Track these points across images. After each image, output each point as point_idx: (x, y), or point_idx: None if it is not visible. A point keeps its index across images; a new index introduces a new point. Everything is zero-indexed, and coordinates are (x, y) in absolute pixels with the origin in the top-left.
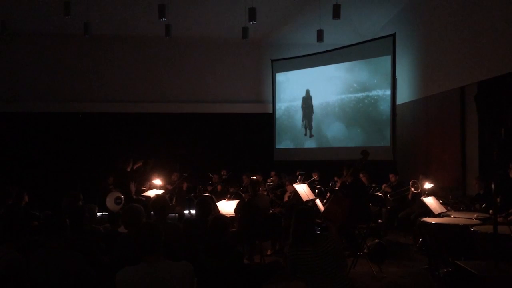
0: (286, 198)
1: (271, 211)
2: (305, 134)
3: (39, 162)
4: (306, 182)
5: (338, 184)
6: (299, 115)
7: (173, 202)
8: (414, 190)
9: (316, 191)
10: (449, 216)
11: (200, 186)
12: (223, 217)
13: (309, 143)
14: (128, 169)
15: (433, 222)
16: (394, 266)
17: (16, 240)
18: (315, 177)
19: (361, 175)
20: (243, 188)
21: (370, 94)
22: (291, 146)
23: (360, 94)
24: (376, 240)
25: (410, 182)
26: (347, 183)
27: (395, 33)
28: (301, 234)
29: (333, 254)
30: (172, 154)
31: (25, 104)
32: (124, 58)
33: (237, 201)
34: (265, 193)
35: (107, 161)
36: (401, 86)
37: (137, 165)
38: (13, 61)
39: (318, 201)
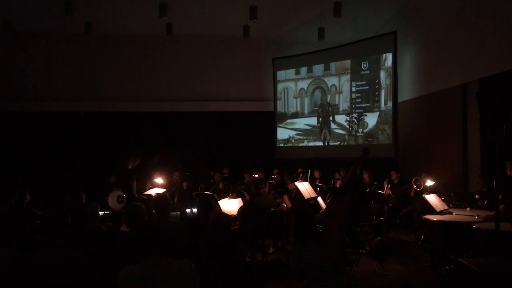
0: (287, 200)
1: (272, 209)
2: (323, 141)
3: (41, 161)
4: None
5: (338, 182)
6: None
7: (175, 201)
8: (417, 187)
9: (318, 188)
10: (451, 213)
11: (202, 185)
12: (225, 215)
13: (311, 141)
14: (129, 167)
15: (435, 220)
16: (396, 264)
17: (19, 239)
18: (316, 175)
19: (363, 173)
20: (245, 186)
21: (371, 91)
22: (293, 144)
23: (361, 92)
24: (378, 238)
25: (413, 180)
26: (347, 181)
27: (396, 30)
28: (303, 233)
29: (336, 252)
30: (173, 153)
31: (27, 103)
32: (125, 57)
33: (239, 199)
34: (267, 191)
35: (109, 160)
36: (402, 83)
37: (136, 163)
38: (14, 60)
39: (319, 199)
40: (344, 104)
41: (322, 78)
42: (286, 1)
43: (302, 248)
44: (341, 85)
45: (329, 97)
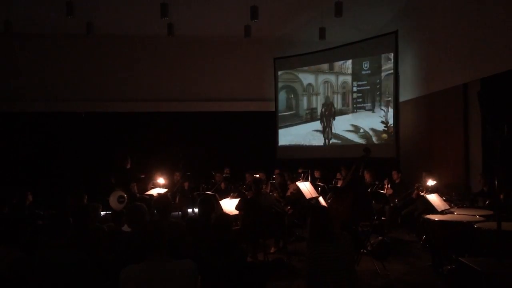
0: (289, 194)
1: (273, 210)
2: (325, 141)
3: (42, 162)
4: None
5: (340, 182)
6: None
7: (176, 201)
8: (420, 192)
9: (319, 188)
10: (452, 213)
11: (203, 185)
12: (226, 215)
13: (312, 141)
14: (128, 167)
15: (436, 219)
16: (398, 263)
17: (20, 239)
18: (317, 175)
19: (365, 172)
20: (246, 186)
21: (372, 91)
22: (294, 143)
23: (362, 92)
24: (380, 238)
25: (415, 186)
26: (348, 181)
27: (397, 30)
28: (320, 231)
29: (349, 253)
30: (174, 153)
31: (28, 104)
32: (127, 57)
33: (240, 199)
34: (268, 191)
35: (110, 160)
36: (403, 83)
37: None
38: (15, 60)
39: (321, 199)
40: (344, 104)
41: (322, 75)
42: (287, 1)
43: (316, 247)
44: (339, 84)
45: (330, 96)
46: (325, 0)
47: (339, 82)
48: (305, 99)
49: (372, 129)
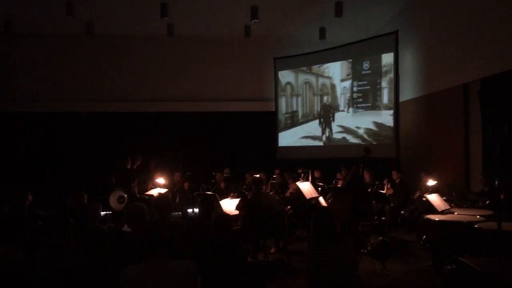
0: (288, 195)
1: (273, 210)
2: (323, 139)
3: (43, 162)
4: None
5: (340, 182)
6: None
7: (177, 201)
8: (423, 199)
9: (320, 188)
10: (452, 213)
11: (203, 185)
12: (226, 215)
13: (313, 141)
14: (128, 167)
15: (436, 219)
16: (398, 263)
17: (20, 239)
18: (317, 175)
19: (365, 172)
20: (246, 186)
21: (373, 91)
22: (294, 144)
23: (362, 92)
24: (380, 238)
25: (417, 194)
26: (348, 181)
27: (397, 30)
28: (322, 232)
29: (351, 254)
30: (174, 153)
31: (28, 104)
32: (126, 58)
33: (240, 199)
34: (268, 191)
35: (111, 160)
36: (403, 83)
37: (137, 164)
38: (15, 61)
39: (321, 199)
40: (344, 104)
41: (322, 76)
42: (287, 1)
43: (318, 247)
44: (341, 85)
45: (329, 97)
46: (325, 0)
47: (319, 84)
48: (283, 100)
49: (373, 129)
